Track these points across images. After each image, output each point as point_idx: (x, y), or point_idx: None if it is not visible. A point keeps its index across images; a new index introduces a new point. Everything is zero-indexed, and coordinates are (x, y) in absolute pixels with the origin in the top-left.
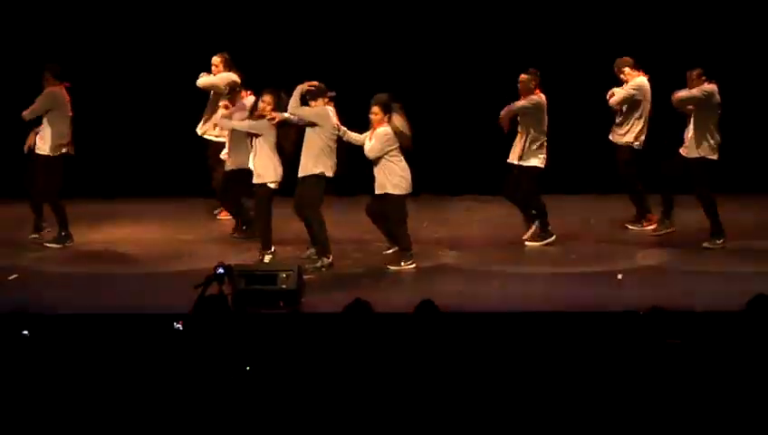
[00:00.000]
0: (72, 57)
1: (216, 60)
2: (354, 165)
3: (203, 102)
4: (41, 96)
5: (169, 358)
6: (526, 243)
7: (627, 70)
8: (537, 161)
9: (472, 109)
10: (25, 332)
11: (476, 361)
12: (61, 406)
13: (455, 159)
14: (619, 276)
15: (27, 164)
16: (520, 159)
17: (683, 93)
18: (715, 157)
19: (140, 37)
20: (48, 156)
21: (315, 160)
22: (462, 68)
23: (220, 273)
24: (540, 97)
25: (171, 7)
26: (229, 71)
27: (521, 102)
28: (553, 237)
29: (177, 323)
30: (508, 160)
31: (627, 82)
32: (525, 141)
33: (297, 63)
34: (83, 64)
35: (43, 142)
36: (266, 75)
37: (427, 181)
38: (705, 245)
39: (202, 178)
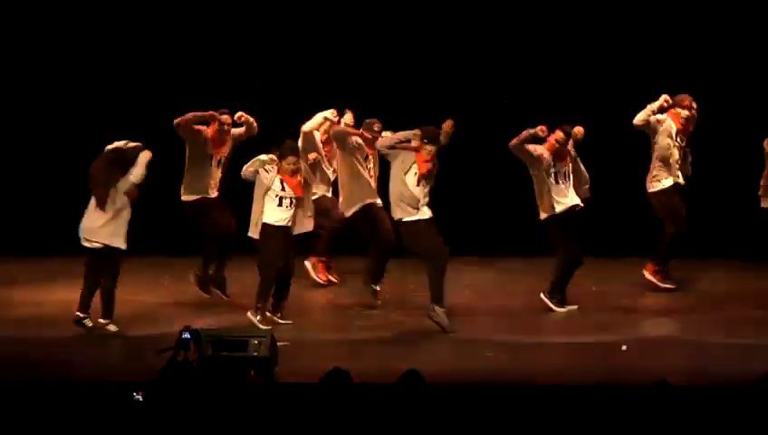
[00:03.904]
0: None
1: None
2: None
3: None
4: None
5: (129, 431)
6: None
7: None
8: None
9: (459, 170)
10: None
11: None
12: None
13: (441, 221)
14: (624, 347)
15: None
16: None
17: None
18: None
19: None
20: None
21: None
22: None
23: (185, 338)
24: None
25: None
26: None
27: None
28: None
29: (137, 393)
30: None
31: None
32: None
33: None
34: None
35: None
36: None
37: None
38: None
39: (168, 236)
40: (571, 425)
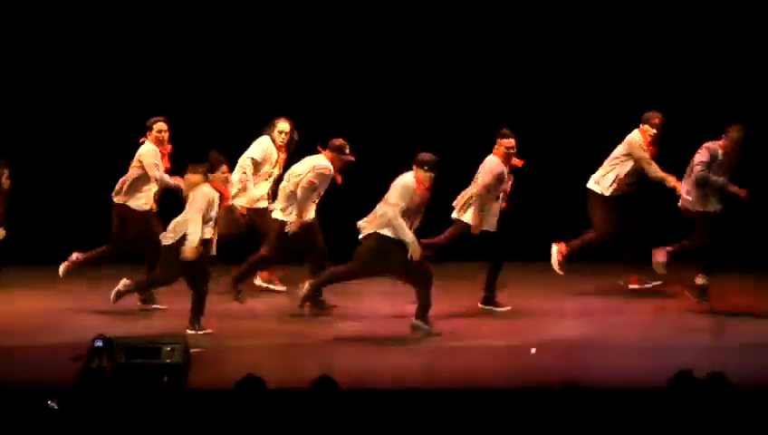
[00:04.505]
0: None
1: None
2: None
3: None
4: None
5: None
6: None
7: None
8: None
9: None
10: None
11: None
12: None
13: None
14: (533, 350)
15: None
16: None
17: None
18: None
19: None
20: None
21: None
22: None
23: (98, 346)
24: None
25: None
26: None
27: None
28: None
29: (52, 401)
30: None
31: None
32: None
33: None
34: None
35: None
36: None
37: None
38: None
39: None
40: (482, 428)
